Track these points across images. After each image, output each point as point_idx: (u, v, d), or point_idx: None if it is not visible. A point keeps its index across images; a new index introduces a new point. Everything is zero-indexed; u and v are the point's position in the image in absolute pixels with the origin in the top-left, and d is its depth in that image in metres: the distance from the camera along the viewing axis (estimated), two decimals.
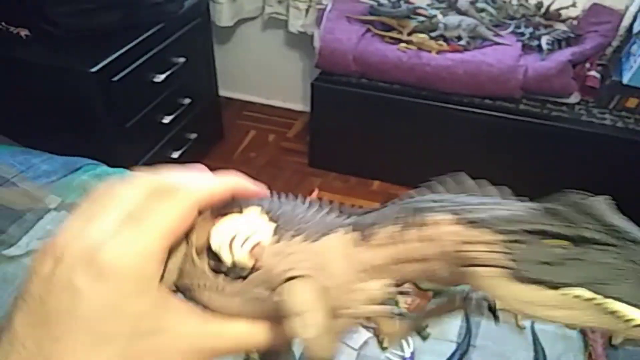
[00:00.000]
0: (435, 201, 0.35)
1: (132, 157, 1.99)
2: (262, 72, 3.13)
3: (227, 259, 0.38)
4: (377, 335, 0.92)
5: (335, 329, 0.35)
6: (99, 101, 1.78)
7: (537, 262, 0.30)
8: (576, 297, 0.29)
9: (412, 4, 2.39)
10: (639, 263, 0.28)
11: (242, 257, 0.38)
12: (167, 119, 2.15)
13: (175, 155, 2.29)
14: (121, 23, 1.89)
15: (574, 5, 2.37)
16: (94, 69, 1.71)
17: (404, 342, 0.90)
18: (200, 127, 2.47)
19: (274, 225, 0.39)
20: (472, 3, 2.42)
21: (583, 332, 0.89)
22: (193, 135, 2.41)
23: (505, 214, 0.31)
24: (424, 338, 0.92)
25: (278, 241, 0.38)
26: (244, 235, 0.38)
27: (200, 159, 2.43)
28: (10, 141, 1.67)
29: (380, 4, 2.34)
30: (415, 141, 2.43)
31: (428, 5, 2.45)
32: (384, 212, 0.37)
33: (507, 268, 0.30)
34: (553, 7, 2.37)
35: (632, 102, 2.16)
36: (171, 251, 0.37)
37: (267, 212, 0.40)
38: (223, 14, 2.74)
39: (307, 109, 2.65)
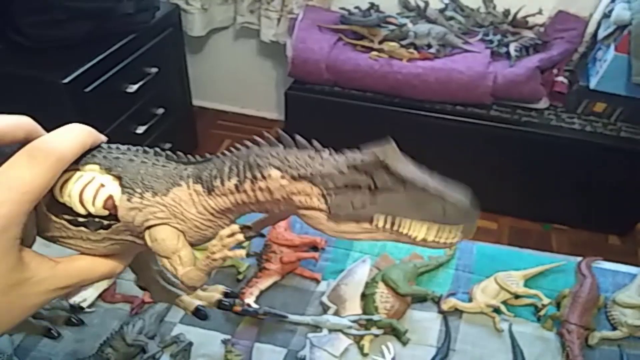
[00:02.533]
0: (264, 157, 0.41)
1: None
2: (236, 81, 3.13)
3: (81, 211, 0.43)
4: (357, 342, 0.92)
5: (202, 266, 0.43)
6: (71, 112, 1.76)
7: (347, 206, 0.39)
8: (377, 226, 0.39)
9: (382, 13, 2.41)
10: (417, 201, 0.38)
11: (98, 209, 0.42)
12: (141, 129, 2.14)
13: None
14: (93, 33, 1.87)
15: (540, 12, 2.42)
16: (65, 80, 1.70)
17: (384, 348, 0.91)
18: (175, 137, 2.46)
19: (117, 181, 0.43)
20: (441, 11, 2.46)
21: (560, 333, 0.91)
22: (167, 145, 2.39)
23: (323, 170, 0.39)
24: (404, 343, 0.93)
25: (129, 199, 0.42)
26: (92, 189, 0.42)
27: None
28: None
29: (351, 13, 2.36)
30: None
31: (398, 14, 2.48)
32: (221, 164, 0.42)
33: (324, 211, 0.40)
34: (520, 15, 2.42)
35: (599, 107, 2.20)
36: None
37: (107, 169, 0.43)
38: (195, 24, 2.74)
39: (282, 117, 2.66)
